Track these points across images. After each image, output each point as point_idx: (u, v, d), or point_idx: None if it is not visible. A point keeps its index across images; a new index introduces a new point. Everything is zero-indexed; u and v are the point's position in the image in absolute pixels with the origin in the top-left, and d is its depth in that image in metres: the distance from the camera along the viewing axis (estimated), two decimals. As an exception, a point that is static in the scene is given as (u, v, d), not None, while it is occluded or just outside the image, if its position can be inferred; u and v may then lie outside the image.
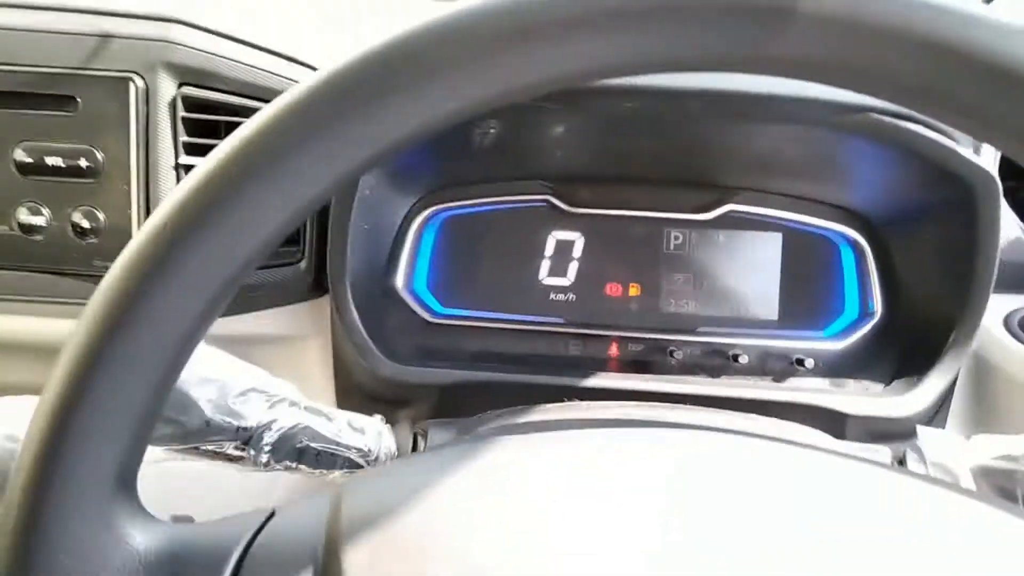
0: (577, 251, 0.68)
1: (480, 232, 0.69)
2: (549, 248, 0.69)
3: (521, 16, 0.23)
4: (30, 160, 0.59)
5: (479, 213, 0.69)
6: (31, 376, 0.64)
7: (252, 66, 0.60)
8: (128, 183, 0.59)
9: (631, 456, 0.34)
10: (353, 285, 0.60)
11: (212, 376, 0.41)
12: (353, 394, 0.66)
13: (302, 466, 0.45)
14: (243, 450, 0.42)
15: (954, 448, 0.43)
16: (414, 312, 0.68)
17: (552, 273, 0.69)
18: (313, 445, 0.44)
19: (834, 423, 0.58)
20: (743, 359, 0.64)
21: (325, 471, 0.46)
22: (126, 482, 0.28)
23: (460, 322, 0.68)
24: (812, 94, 0.51)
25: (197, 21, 0.60)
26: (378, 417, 0.50)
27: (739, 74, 0.25)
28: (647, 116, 0.59)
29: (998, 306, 0.62)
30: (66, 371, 0.26)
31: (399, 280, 0.68)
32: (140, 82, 0.59)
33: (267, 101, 0.31)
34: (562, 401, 0.55)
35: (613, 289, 0.68)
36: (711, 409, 0.54)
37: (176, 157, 0.59)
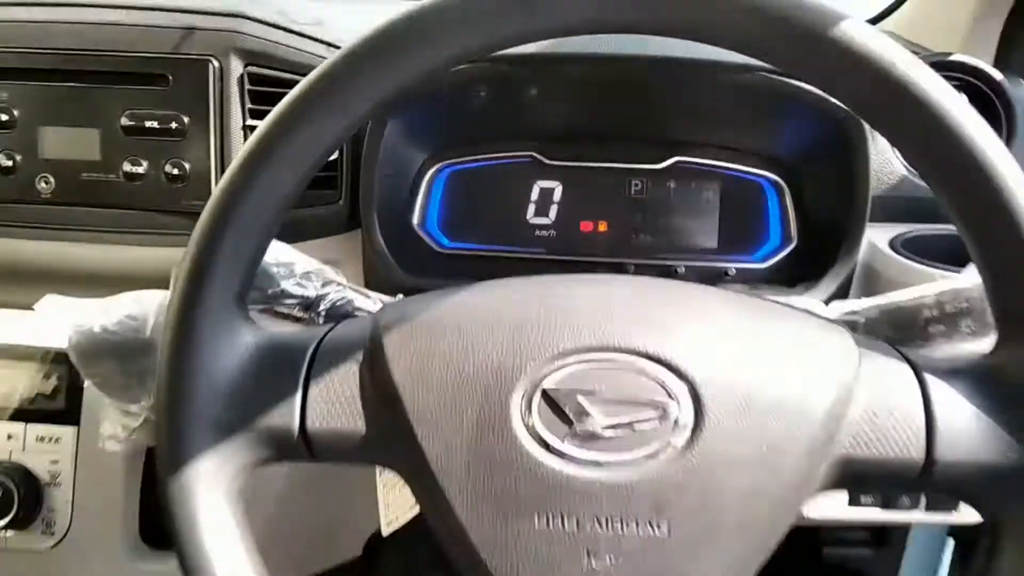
0: (557, 196, 0.85)
1: (478, 182, 0.86)
2: (534, 194, 0.85)
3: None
4: (132, 123, 0.76)
5: (477, 167, 0.86)
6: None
7: (300, 49, 0.78)
8: (208, 141, 0.76)
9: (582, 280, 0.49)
10: (380, 219, 0.77)
11: (284, 260, 0.59)
12: (378, 304, 0.84)
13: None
14: (305, 312, 0.60)
15: (815, 308, 0.59)
16: (427, 244, 0.85)
17: (537, 214, 0.85)
18: (355, 312, 0.61)
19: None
20: (682, 271, 0.81)
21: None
22: (241, 297, 0.44)
23: (463, 252, 0.85)
24: (715, 57, 0.67)
25: (260, 16, 0.78)
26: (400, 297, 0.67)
27: (665, 39, 0.40)
28: (608, 82, 0.76)
29: (887, 232, 0.78)
30: (216, 205, 0.42)
31: (415, 219, 0.85)
32: (216, 63, 0.76)
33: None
34: None
35: (586, 226, 0.85)
36: None
37: (244, 120, 0.76)
